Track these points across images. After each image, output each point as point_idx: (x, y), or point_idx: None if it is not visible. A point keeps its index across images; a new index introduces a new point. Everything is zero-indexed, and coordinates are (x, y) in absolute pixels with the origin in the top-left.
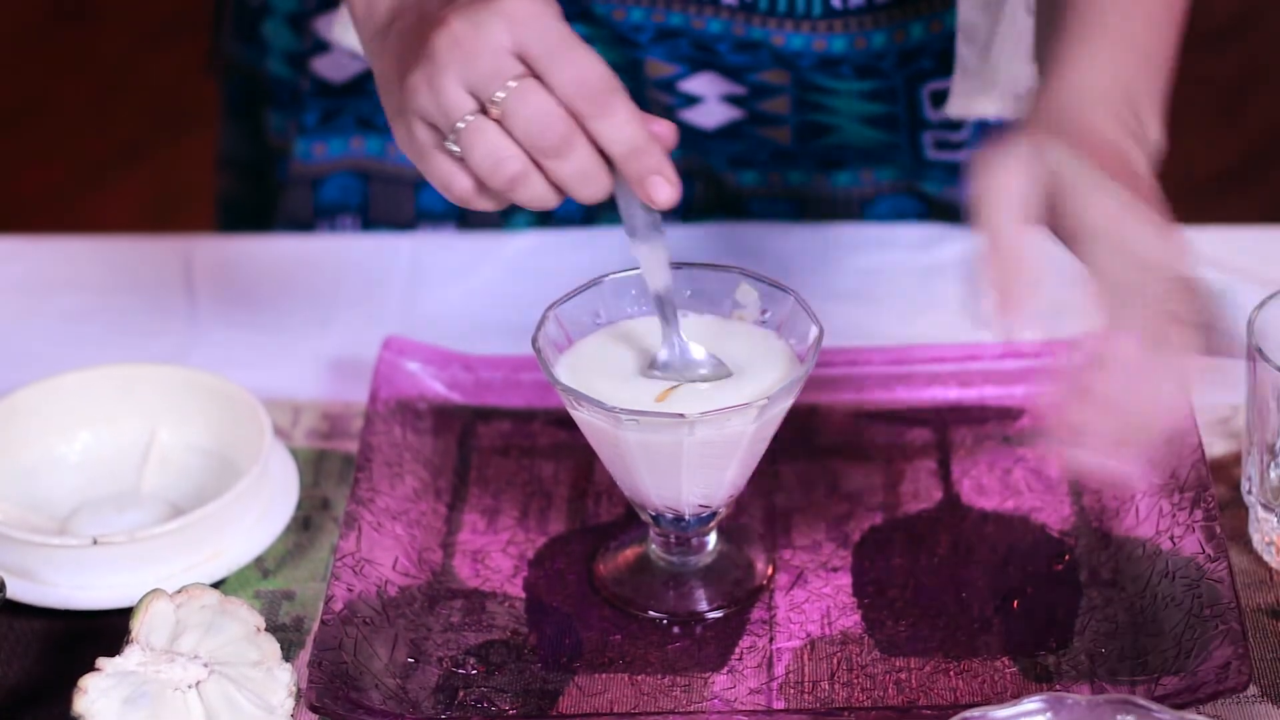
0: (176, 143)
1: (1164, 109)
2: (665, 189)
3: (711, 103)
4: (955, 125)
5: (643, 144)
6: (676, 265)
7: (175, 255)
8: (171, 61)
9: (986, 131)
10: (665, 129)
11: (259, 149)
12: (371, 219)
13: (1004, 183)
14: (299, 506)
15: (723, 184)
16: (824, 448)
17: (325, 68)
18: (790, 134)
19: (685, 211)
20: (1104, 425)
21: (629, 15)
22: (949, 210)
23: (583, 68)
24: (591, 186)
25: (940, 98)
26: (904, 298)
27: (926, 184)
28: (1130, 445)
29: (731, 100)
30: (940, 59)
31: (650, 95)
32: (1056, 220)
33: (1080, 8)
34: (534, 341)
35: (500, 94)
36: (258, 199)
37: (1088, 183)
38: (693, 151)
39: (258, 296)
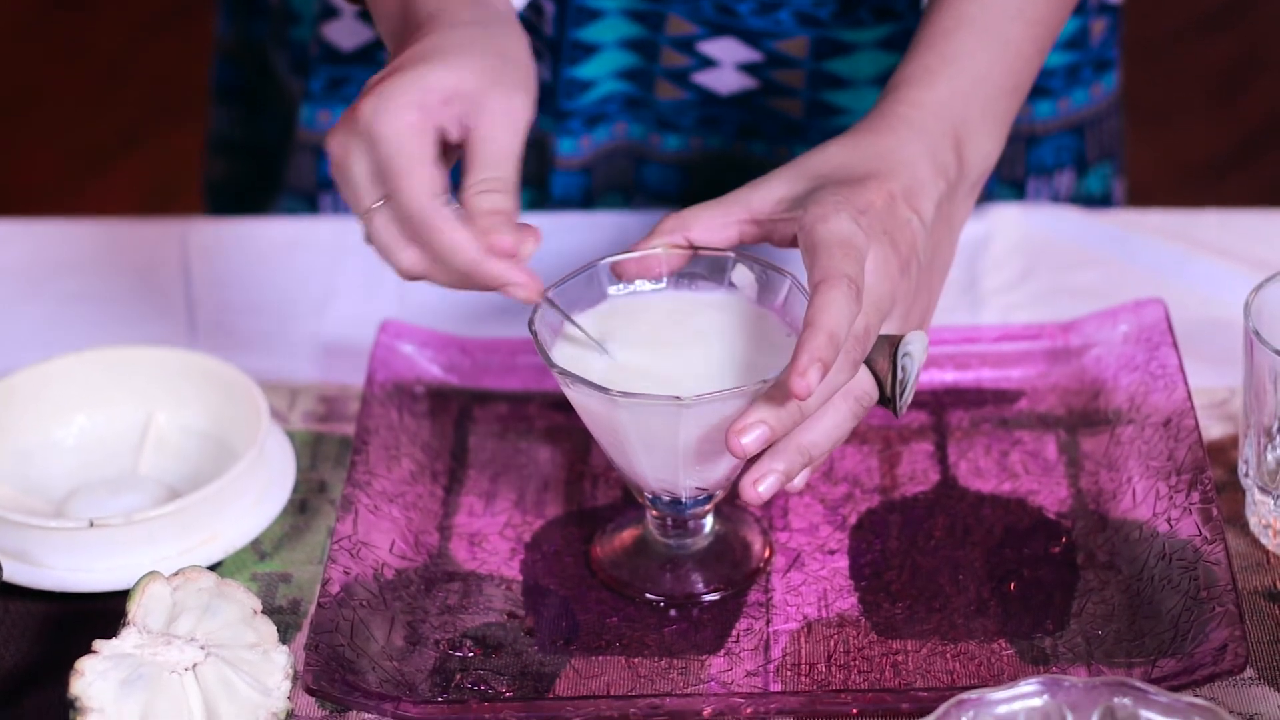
0: (175, 130)
1: (1007, 123)
2: (520, 292)
3: (727, 69)
4: None
5: (472, 263)
6: (675, 246)
7: (172, 239)
8: (169, 49)
9: None
10: (507, 245)
11: (252, 131)
12: None
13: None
14: (296, 489)
15: (730, 159)
16: None
17: (335, 33)
18: (802, 107)
19: (692, 197)
20: (787, 461)
21: None
22: None
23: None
24: (471, 286)
25: None
26: None
27: None
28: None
29: (747, 69)
30: None
31: (667, 55)
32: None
33: (934, 35)
34: (530, 324)
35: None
36: (249, 182)
37: (836, 205)
38: (706, 125)
39: (255, 280)
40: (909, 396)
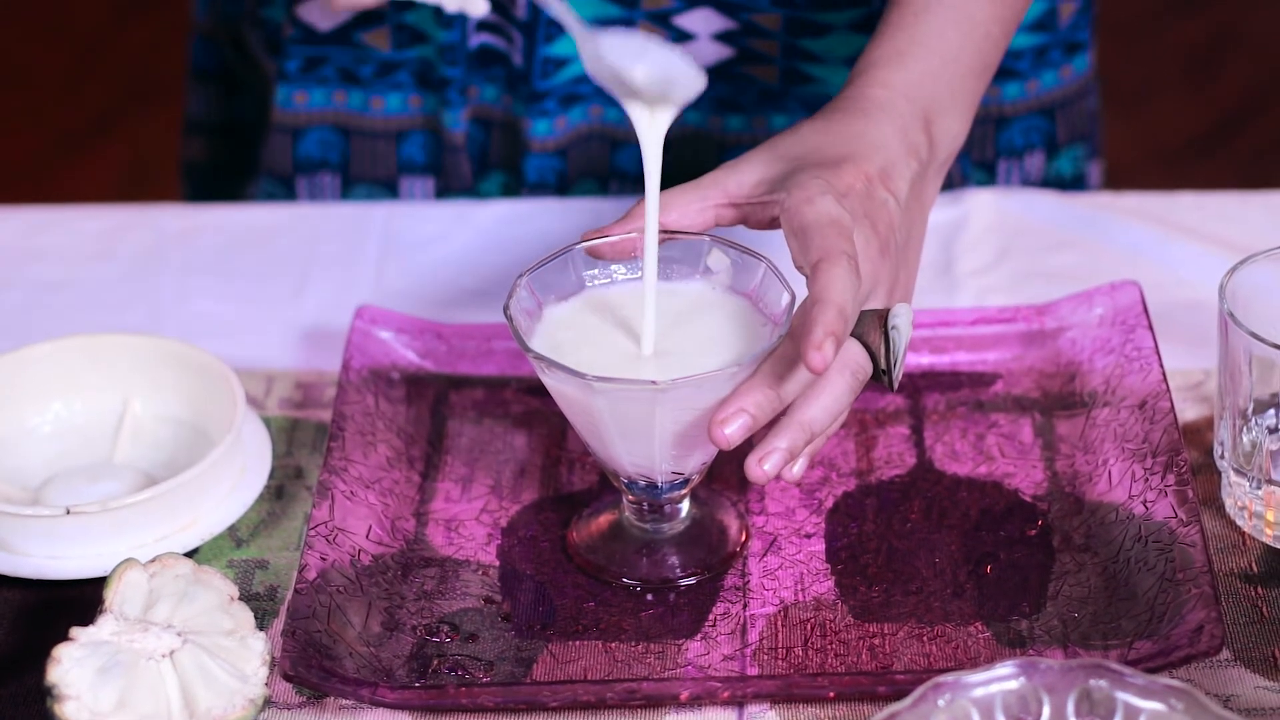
0: (151, 112)
1: (974, 104)
2: None
3: (704, 41)
4: None
5: None
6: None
7: (148, 225)
8: (146, 31)
9: None
10: None
11: (229, 112)
12: (352, 175)
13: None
14: (272, 475)
15: (707, 137)
16: None
17: (311, 14)
18: (778, 75)
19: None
20: (790, 438)
21: None
22: None
23: None
24: None
25: None
26: None
27: None
28: (799, 451)
29: (723, 38)
30: None
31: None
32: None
33: (904, 16)
34: (506, 309)
35: None
36: (226, 163)
37: (820, 187)
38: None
39: (230, 266)
40: (900, 370)
